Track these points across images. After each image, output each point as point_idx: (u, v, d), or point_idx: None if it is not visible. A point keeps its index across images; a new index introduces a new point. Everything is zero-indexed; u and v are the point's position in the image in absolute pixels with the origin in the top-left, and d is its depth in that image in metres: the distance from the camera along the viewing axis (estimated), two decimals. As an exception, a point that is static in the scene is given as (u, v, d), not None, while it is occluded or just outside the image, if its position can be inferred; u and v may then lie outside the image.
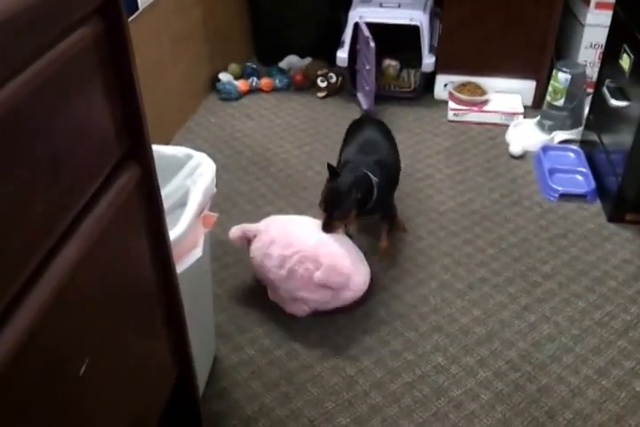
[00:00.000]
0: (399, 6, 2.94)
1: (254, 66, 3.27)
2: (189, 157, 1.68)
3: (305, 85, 3.17)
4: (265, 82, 3.18)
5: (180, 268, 1.44)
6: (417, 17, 2.89)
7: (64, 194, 0.84)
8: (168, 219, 1.54)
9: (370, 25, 2.91)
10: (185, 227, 1.45)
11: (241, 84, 3.14)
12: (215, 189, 1.66)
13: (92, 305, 0.94)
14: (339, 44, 3.01)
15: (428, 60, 2.95)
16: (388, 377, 1.85)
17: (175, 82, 2.87)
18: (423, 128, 2.96)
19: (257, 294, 2.10)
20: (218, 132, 2.94)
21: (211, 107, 3.12)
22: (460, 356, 1.92)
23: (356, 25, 2.88)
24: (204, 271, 1.70)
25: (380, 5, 2.95)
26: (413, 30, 2.91)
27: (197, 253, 1.51)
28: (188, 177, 1.66)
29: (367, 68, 2.80)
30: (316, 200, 2.48)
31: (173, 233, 1.41)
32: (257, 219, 2.11)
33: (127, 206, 1.01)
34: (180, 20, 2.85)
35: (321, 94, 3.13)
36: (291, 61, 3.26)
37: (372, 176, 2.05)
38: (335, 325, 2.02)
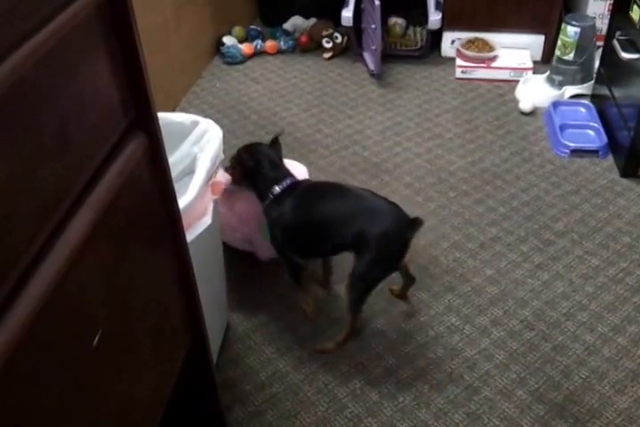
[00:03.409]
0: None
1: (258, 28, 3.22)
2: (196, 124, 1.66)
3: (310, 46, 3.12)
4: (270, 44, 3.13)
5: (189, 236, 1.43)
6: (422, -28, 2.82)
7: (72, 163, 0.83)
8: (176, 186, 1.54)
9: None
10: (194, 195, 1.44)
11: (245, 48, 3.10)
12: (223, 156, 1.64)
13: (103, 274, 0.93)
14: (343, 3, 2.94)
15: (435, 17, 2.89)
16: (401, 339, 1.85)
17: (179, 47, 2.83)
18: (431, 86, 2.91)
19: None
20: (224, 96, 2.91)
21: (216, 71, 3.08)
22: (473, 316, 1.91)
23: (361, -18, 2.81)
24: (213, 239, 1.69)
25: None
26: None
27: (207, 220, 1.50)
28: (195, 144, 1.64)
29: (373, 26, 2.75)
30: (324, 163, 2.49)
31: (182, 201, 1.40)
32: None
33: (136, 175, 1.00)
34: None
35: (327, 55, 3.08)
36: (295, 22, 3.21)
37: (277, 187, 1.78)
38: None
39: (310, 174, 2.36)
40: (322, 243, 1.77)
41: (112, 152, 0.94)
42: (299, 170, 2.07)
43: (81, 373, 0.88)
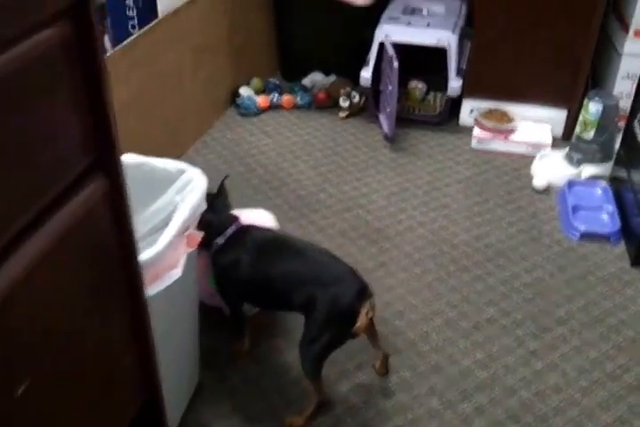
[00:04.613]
0: (428, 25, 2.84)
1: (277, 82, 3.19)
2: (182, 172, 1.61)
3: (327, 104, 3.09)
4: (286, 98, 3.10)
5: (156, 287, 1.37)
6: (445, 38, 2.78)
7: (15, 198, 0.79)
8: (154, 237, 1.47)
9: (398, 44, 2.82)
10: (164, 245, 1.37)
11: (261, 100, 3.07)
12: (205, 206, 1.57)
13: (38, 318, 0.88)
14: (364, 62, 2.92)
15: (455, 84, 2.84)
16: (377, 419, 1.75)
17: (193, 94, 2.81)
18: (445, 155, 2.85)
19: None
20: (233, 147, 2.87)
21: (229, 121, 3.05)
22: (456, 401, 1.80)
23: (382, 44, 2.78)
24: (185, 292, 1.61)
25: (408, 24, 2.85)
26: (442, 51, 2.80)
27: (176, 273, 1.43)
28: (179, 193, 1.58)
29: (389, 88, 2.71)
30: (324, 224, 2.42)
31: (151, 251, 1.34)
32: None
33: (92, 217, 0.96)
34: (203, 31, 2.80)
35: (343, 114, 3.05)
36: (314, 78, 3.18)
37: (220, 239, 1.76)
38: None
39: (308, 234, 2.30)
40: (271, 299, 1.74)
41: (66, 191, 0.89)
42: (265, 218, 2.02)
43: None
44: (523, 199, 2.61)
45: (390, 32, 2.80)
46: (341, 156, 2.83)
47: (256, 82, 3.15)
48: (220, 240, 1.75)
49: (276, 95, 3.11)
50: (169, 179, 1.59)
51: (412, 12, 2.99)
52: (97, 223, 0.99)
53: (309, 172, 2.73)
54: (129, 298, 1.15)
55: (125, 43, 2.31)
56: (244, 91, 3.10)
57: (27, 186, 0.82)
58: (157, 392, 1.33)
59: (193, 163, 2.61)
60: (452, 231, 2.42)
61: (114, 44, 2.32)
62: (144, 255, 1.31)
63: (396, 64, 2.63)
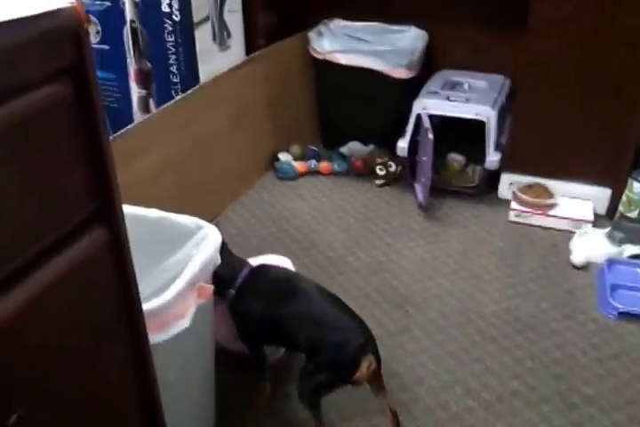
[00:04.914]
0: (467, 100, 2.86)
1: (316, 149, 3.23)
2: (200, 228, 1.65)
3: (364, 172, 3.10)
4: (324, 165, 3.13)
5: (161, 336, 1.38)
6: (484, 112, 2.79)
7: (16, 238, 0.84)
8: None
9: (438, 117, 2.85)
10: (172, 295, 1.40)
11: (299, 166, 3.11)
12: (219, 261, 1.61)
13: (31, 352, 0.91)
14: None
15: (493, 158, 2.83)
16: (384, 489, 1.65)
17: (233, 157, 2.87)
18: (480, 226, 2.80)
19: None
20: (268, 209, 2.88)
21: (267, 184, 3.08)
22: (471, 476, 1.69)
23: (420, 116, 2.81)
24: (199, 343, 1.61)
25: (448, 98, 2.88)
26: (482, 125, 2.81)
27: (184, 323, 1.44)
28: (196, 247, 1.61)
29: (424, 159, 2.71)
30: (351, 286, 2.38)
31: (158, 301, 1.36)
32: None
33: (91, 266, 1.00)
34: (244, 97, 2.87)
35: (379, 182, 3.05)
36: (353, 147, 3.21)
37: (239, 279, 1.78)
38: (345, 415, 1.86)
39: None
40: (281, 338, 1.78)
41: (66, 237, 0.93)
42: (281, 262, 2.02)
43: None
44: (559, 275, 2.52)
45: (428, 105, 2.84)
46: (374, 222, 2.81)
47: (295, 148, 3.19)
48: (233, 289, 1.77)
49: (314, 162, 3.14)
50: (187, 234, 1.64)
51: (453, 86, 3.02)
52: (97, 270, 1.02)
53: (340, 235, 2.71)
54: (132, 344, 1.17)
55: (168, 106, 2.41)
56: (283, 156, 3.14)
57: (27, 228, 0.86)
58: None
59: (229, 222, 2.70)
60: (481, 301, 2.35)
61: (157, 107, 2.42)
62: (151, 304, 1.34)
63: (430, 136, 2.65)
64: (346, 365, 1.61)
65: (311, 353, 1.66)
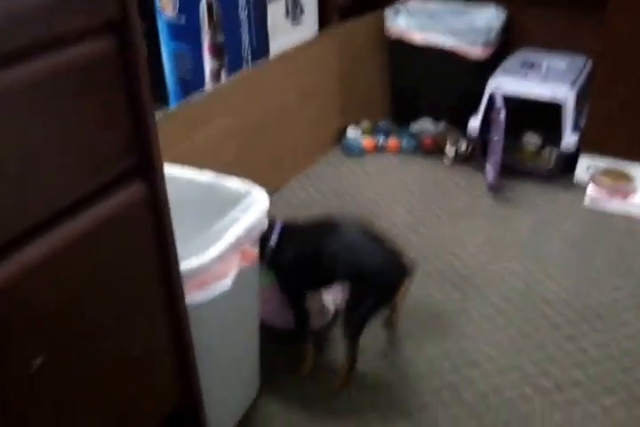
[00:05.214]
0: (544, 80, 2.72)
1: (386, 125, 3.15)
2: (249, 193, 1.62)
3: (433, 150, 3.00)
4: (392, 142, 3.04)
5: (201, 296, 1.36)
6: (561, 93, 2.65)
7: (35, 195, 0.84)
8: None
9: (515, 97, 2.72)
10: (211, 256, 1.37)
11: (366, 142, 3.03)
12: (266, 227, 1.58)
13: (59, 304, 0.91)
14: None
15: (570, 140, 2.68)
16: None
17: (300, 130, 2.83)
18: (553, 210, 2.66)
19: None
20: (333, 184, 2.82)
21: (333, 159, 3.02)
22: (521, 464, 1.60)
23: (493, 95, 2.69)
24: (239, 307, 1.58)
25: (524, 77, 2.75)
26: (560, 106, 2.67)
27: (225, 284, 1.41)
28: (243, 212, 1.58)
29: (495, 138, 2.59)
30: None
31: (197, 260, 1.34)
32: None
33: (128, 219, 1.01)
34: (314, 72, 2.84)
35: (447, 161, 2.94)
36: (423, 125, 3.11)
37: (274, 235, 1.80)
38: (388, 394, 1.78)
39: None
40: (325, 275, 1.83)
41: (98, 192, 0.94)
42: None
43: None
44: (636, 263, 2.37)
45: (503, 84, 2.72)
46: (440, 201, 2.71)
47: (365, 124, 3.12)
48: (272, 242, 1.79)
49: (382, 138, 3.06)
50: (237, 198, 1.62)
51: (531, 66, 2.88)
52: (134, 225, 1.03)
53: (404, 213, 2.62)
54: (167, 303, 1.17)
55: (236, 77, 2.43)
56: (352, 131, 3.08)
57: (64, 177, 0.87)
58: (195, 396, 1.33)
59: (292, 194, 2.66)
60: (547, 286, 2.22)
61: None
62: (190, 264, 1.32)
63: (503, 115, 2.53)
64: (389, 287, 1.76)
65: (355, 281, 1.75)
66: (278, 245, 1.80)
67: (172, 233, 1.11)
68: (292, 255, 1.80)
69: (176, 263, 1.16)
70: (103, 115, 0.91)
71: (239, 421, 1.72)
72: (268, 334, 1.86)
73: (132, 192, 1.00)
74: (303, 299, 1.88)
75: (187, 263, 1.30)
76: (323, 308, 2.02)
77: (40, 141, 0.82)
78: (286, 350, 1.95)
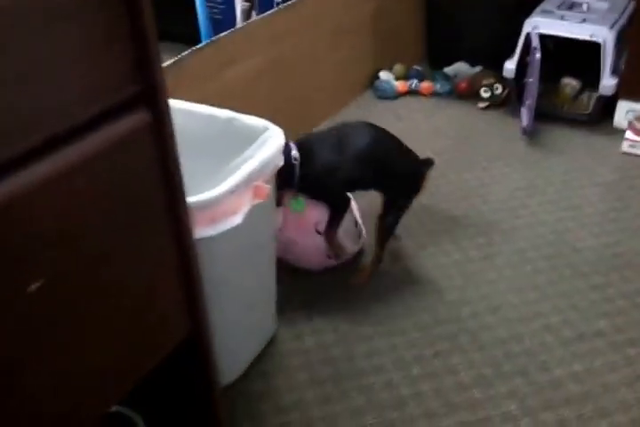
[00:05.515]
0: (583, 20, 2.61)
1: (420, 68, 3.07)
2: (265, 130, 1.61)
3: (468, 94, 2.91)
4: (425, 85, 2.96)
5: (210, 230, 1.38)
6: (599, 33, 2.54)
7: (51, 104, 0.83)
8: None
9: (554, 38, 2.62)
10: (222, 191, 1.37)
11: (399, 85, 2.96)
12: (282, 163, 1.58)
13: (57, 228, 0.90)
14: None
15: (608, 83, 2.58)
16: (443, 410, 1.59)
17: (331, 72, 2.77)
18: (589, 156, 2.58)
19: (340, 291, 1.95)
20: (363, 127, 2.77)
21: (364, 103, 2.96)
22: (538, 410, 1.60)
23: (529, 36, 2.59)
24: (252, 243, 1.59)
25: (562, 18, 2.64)
26: (599, 48, 2.56)
27: (235, 220, 1.41)
28: (259, 148, 1.58)
29: (530, 80, 2.50)
30: (437, 209, 2.27)
31: (208, 194, 1.35)
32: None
33: (131, 146, 1.00)
34: (347, 13, 2.76)
35: (482, 105, 2.86)
36: (459, 68, 3.02)
37: (294, 151, 1.82)
38: (404, 339, 1.80)
39: (415, 216, 2.16)
40: (356, 174, 1.89)
41: (99, 116, 0.92)
42: None
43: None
44: (672, 212, 2.30)
45: (540, 24, 2.61)
46: (472, 145, 2.65)
47: (398, 68, 3.04)
48: (295, 159, 1.81)
49: (416, 81, 2.98)
50: (255, 135, 1.60)
51: (570, 6, 2.76)
52: (138, 152, 1.01)
53: (435, 157, 2.54)
54: (174, 235, 1.14)
55: (267, 15, 2.35)
56: (384, 75, 3.00)
57: (64, 99, 0.85)
58: (202, 331, 1.31)
59: None
60: (577, 235, 2.17)
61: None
62: (200, 197, 1.33)
63: (538, 55, 2.44)
64: (417, 179, 1.99)
65: (388, 180, 1.93)
66: (302, 161, 1.82)
67: (177, 164, 1.09)
68: (319, 163, 1.84)
69: (182, 193, 1.14)
70: (106, 35, 0.90)
71: (257, 357, 1.75)
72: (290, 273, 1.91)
73: (135, 119, 0.99)
74: (344, 197, 1.95)
75: (196, 197, 1.31)
76: (356, 232, 2.05)
77: (40, 59, 0.81)
78: (305, 289, 1.97)
